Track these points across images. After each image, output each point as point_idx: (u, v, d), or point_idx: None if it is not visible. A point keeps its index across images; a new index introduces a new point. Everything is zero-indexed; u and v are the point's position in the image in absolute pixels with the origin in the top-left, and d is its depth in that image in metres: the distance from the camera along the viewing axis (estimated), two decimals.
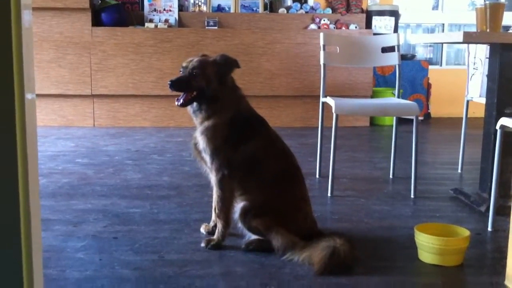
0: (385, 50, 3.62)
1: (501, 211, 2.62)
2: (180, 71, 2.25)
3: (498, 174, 2.50)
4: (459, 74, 6.51)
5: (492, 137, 2.79)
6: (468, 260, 2.14)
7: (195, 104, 2.23)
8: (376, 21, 6.37)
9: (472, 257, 2.18)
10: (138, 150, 4.44)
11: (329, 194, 3.08)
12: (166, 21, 5.99)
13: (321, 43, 3.45)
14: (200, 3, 6.24)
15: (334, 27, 6.15)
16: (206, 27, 5.99)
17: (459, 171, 3.80)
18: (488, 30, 2.72)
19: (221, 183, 2.20)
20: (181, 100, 2.21)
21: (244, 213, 2.17)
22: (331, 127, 3.07)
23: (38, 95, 5.36)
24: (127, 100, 5.79)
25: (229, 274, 1.99)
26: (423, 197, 3.09)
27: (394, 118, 3.57)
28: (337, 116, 3.04)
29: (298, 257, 2.06)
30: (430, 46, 7.54)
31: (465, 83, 3.86)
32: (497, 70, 2.77)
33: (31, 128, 0.96)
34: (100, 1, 5.89)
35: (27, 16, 0.96)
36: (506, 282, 1.92)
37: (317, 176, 3.53)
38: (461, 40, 2.53)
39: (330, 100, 3.18)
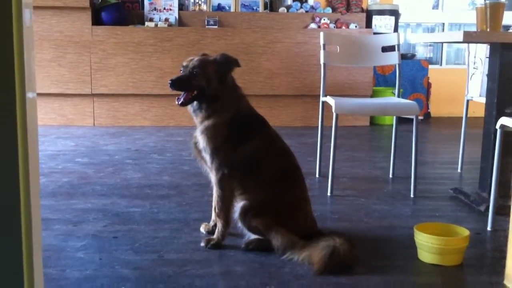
0: (385, 49, 3.62)
1: (500, 211, 2.62)
2: (181, 70, 2.25)
3: (498, 174, 2.50)
4: (459, 73, 6.51)
5: (492, 136, 2.79)
6: (467, 260, 2.14)
7: (195, 103, 2.23)
8: (376, 20, 6.37)
9: (472, 256, 2.18)
10: (138, 149, 4.44)
11: (329, 194, 3.08)
12: (166, 20, 5.98)
13: (321, 42, 3.45)
14: (200, 2, 6.25)
15: (334, 27, 6.14)
16: (206, 26, 5.99)
17: (459, 170, 3.80)
18: (488, 30, 2.72)
19: (221, 182, 2.20)
20: (182, 99, 2.21)
21: (244, 212, 2.17)
22: (331, 127, 3.07)
23: (38, 94, 5.35)
24: (127, 99, 5.79)
25: (229, 273, 2.00)
26: (423, 197, 3.09)
27: (394, 117, 3.57)
28: (337, 115, 3.04)
29: (298, 256, 2.06)
30: (430, 45, 7.54)
31: (465, 82, 3.86)
32: (497, 70, 2.77)
33: (32, 127, 0.96)
34: (100, 0, 5.89)
35: (28, 15, 0.96)
36: (506, 282, 1.93)
37: (317, 175, 3.53)
38: (461, 39, 2.53)
39: (330, 100, 3.18)
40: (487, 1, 2.73)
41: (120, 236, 2.35)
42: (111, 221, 2.56)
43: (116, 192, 3.09)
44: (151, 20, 5.99)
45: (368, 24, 6.35)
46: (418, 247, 2.16)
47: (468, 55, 3.83)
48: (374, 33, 5.88)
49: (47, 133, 5.12)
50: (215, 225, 2.32)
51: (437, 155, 4.57)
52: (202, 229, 2.42)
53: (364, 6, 6.50)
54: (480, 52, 3.64)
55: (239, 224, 2.20)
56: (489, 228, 2.53)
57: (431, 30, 7.62)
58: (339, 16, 6.27)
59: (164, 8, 6.04)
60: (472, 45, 3.78)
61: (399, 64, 3.55)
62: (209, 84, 2.19)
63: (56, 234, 2.36)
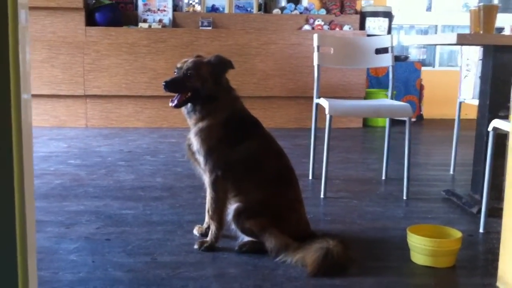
0: (378, 51, 3.62)
1: (493, 213, 2.63)
2: (175, 72, 2.25)
3: (490, 176, 2.51)
4: (452, 75, 6.54)
5: (484, 139, 2.80)
6: (460, 262, 2.15)
7: (189, 105, 2.23)
8: (370, 22, 6.38)
9: (464, 258, 2.19)
10: (131, 151, 4.43)
11: (322, 196, 3.08)
12: (160, 21, 5.97)
13: (315, 44, 3.45)
14: (194, 3, 6.24)
15: (328, 28, 6.15)
16: (200, 27, 5.98)
17: (451, 172, 3.82)
18: (481, 32, 2.74)
19: (214, 184, 2.20)
20: (176, 101, 2.21)
21: (238, 214, 2.17)
22: (324, 128, 3.08)
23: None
24: (120, 101, 5.77)
25: (223, 276, 1.99)
26: (416, 199, 3.10)
27: (387, 119, 3.58)
28: (330, 117, 3.05)
29: (291, 258, 2.06)
30: (423, 47, 7.56)
31: (457, 84, 3.88)
32: (490, 72, 2.79)
33: (27, 129, 0.96)
34: (94, 1, 5.88)
35: (23, 16, 0.96)
36: (498, 284, 1.93)
37: (310, 177, 3.53)
38: (455, 42, 2.55)
39: (323, 101, 3.18)
40: (481, 4, 2.75)
41: (113, 239, 2.34)
42: (104, 223, 2.55)
43: (109, 194, 3.08)
44: (145, 21, 5.97)
45: (362, 26, 6.36)
46: (411, 249, 2.17)
47: (461, 57, 3.85)
48: (368, 35, 5.90)
49: (40, 134, 5.10)
50: (208, 227, 2.31)
51: (430, 157, 4.59)
52: (196, 231, 2.42)
53: (357, 8, 6.51)
54: (473, 54, 3.66)
55: (233, 226, 2.20)
56: (481, 230, 2.54)
57: (424, 32, 7.65)
58: (333, 18, 6.28)
59: (158, 9, 6.03)
60: (465, 47, 3.79)
61: (392, 66, 3.56)
62: (203, 86, 2.19)
63: (49, 236, 2.35)
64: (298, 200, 2.29)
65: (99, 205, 2.85)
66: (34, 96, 5.47)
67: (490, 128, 2.50)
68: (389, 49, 3.56)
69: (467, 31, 2.99)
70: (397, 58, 6.38)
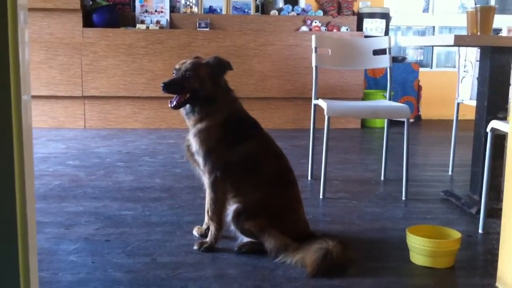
0: (376, 52, 3.63)
1: (491, 213, 2.64)
2: (173, 73, 2.25)
3: (489, 177, 2.52)
4: (450, 76, 6.55)
5: (482, 139, 2.81)
6: (459, 262, 2.15)
7: (188, 106, 2.23)
8: (367, 23, 6.39)
9: (464, 259, 2.20)
10: (129, 152, 4.43)
11: (321, 196, 3.09)
12: (158, 22, 5.97)
13: (313, 45, 3.46)
14: (191, 5, 6.24)
15: (325, 29, 6.16)
16: (198, 29, 5.99)
17: (450, 173, 3.82)
18: (479, 33, 2.75)
19: (214, 185, 2.20)
20: (174, 102, 2.21)
21: (237, 215, 2.17)
22: (323, 129, 3.09)
23: None
24: (118, 102, 5.77)
25: (222, 276, 2.00)
26: (414, 199, 3.10)
27: (386, 120, 3.59)
28: (329, 118, 3.06)
29: (291, 259, 2.07)
30: (420, 48, 7.58)
31: (455, 85, 3.89)
32: (488, 73, 2.79)
33: (27, 130, 0.96)
34: (91, 2, 5.88)
35: (23, 17, 0.96)
36: (497, 284, 1.94)
37: (309, 178, 3.53)
38: (452, 43, 2.55)
39: (322, 102, 3.19)
40: (478, 5, 2.76)
41: (112, 239, 2.34)
42: (103, 224, 2.55)
43: (108, 195, 3.08)
44: (142, 22, 5.97)
45: (359, 27, 6.37)
46: (410, 250, 2.17)
47: (459, 58, 3.86)
48: (365, 36, 5.91)
49: (38, 135, 5.09)
50: (208, 228, 2.32)
51: (428, 158, 4.60)
52: (195, 232, 2.42)
53: (355, 9, 6.52)
54: (471, 56, 3.67)
55: (232, 227, 2.20)
56: (480, 231, 2.54)
57: (422, 33, 7.67)
58: (330, 19, 6.29)
59: (156, 10, 6.03)
60: (462, 49, 3.81)
61: (390, 67, 3.57)
62: (202, 87, 2.19)
63: (48, 237, 2.35)
64: (297, 201, 2.29)
65: (98, 206, 2.85)
66: (32, 97, 5.43)
67: (488, 129, 2.50)
68: (387, 50, 3.57)
69: (464, 32, 3.00)
70: (394, 59, 6.39)
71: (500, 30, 3.82)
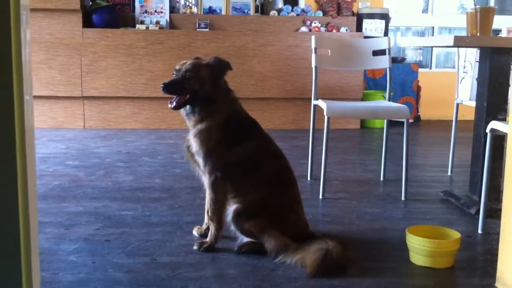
0: (376, 53, 3.64)
1: (491, 214, 2.65)
2: (173, 74, 2.26)
3: (488, 177, 2.53)
4: (449, 77, 6.56)
5: (482, 140, 2.81)
6: (459, 262, 2.16)
7: (188, 106, 2.23)
8: (367, 24, 6.40)
9: (463, 259, 2.20)
10: (129, 152, 4.43)
11: (320, 197, 3.09)
12: (157, 22, 5.98)
13: (313, 46, 3.46)
14: (191, 5, 6.24)
15: (325, 30, 6.17)
16: (198, 29, 5.99)
17: (449, 173, 3.83)
18: (478, 34, 2.75)
19: (214, 185, 2.20)
20: (174, 103, 2.22)
21: (237, 215, 2.17)
22: (322, 129, 3.09)
23: None
24: (118, 102, 5.77)
25: (222, 276, 2.00)
26: (414, 200, 3.11)
27: (385, 120, 3.59)
28: (328, 118, 3.06)
29: (290, 259, 2.07)
30: (420, 49, 7.59)
31: (454, 85, 3.89)
32: (487, 74, 2.80)
33: (29, 130, 0.96)
34: (91, 3, 5.88)
35: (25, 17, 0.96)
36: (497, 284, 1.94)
37: (309, 178, 3.54)
38: (451, 44, 2.56)
39: (321, 103, 3.19)
40: (477, 6, 2.76)
41: (112, 239, 2.35)
42: (103, 224, 2.55)
43: (107, 195, 3.09)
44: (142, 22, 5.97)
45: (359, 28, 6.38)
46: (410, 250, 2.18)
47: (458, 59, 3.86)
48: (365, 37, 5.92)
49: (38, 135, 5.09)
50: (207, 228, 2.32)
51: (427, 158, 4.60)
52: (195, 232, 2.42)
53: (354, 9, 6.53)
54: (470, 56, 3.67)
55: (232, 227, 2.21)
56: (479, 231, 2.55)
57: (421, 33, 7.67)
58: (330, 20, 6.30)
59: (155, 11, 6.04)
60: (462, 49, 3.81)
61: (390, 68, 3.58)
62: (202, 88, 2.20)
63: (48, 237, 2.35)
64: (297, 201, 2.30)
65: (98, 206, 2.85)
66: None
67: (488, 130, 2.51)
68: (387, 51, 3.57)
69: (463, 33, 3.00)
70: (394, 60, 6.40)
71: (500, 31, 3.83)
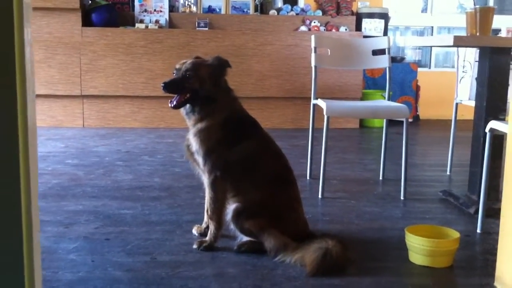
0: (375, 52, 3.64)
1: (490, 213, 2.65)
2: (173, 73, 2.26)
3: (487, 177, 2.53)
4: (448, 76, 6.58)
5: (481, 140, 2.82)
6: (458, 262, 2.16)
7: (188, 105, 2.23)
8: (366, 23, 6.41)
9: (462, 258, 2.20)
10: (128, 151, 4.43)
11: (320, 196, 3.09)
12: (157, 21, 5.98)
13: (313, 45, 3.46)
14: (190, 4, 6.24)
15: (324, 29, 6.17)
16: (197, 28, 5.99)
17: (448, 173, 3.83)
18: (478, 34, 2.76)
19: (213, 184, 2.21)
20: (174, 102, 2.22)
21: (237, 214, 2.17)
22: (321, 129, 3.09)
23: None
24: (117, 101, 5.77)
25: (222, 275, 2.00)
26: (413, 199, 3.11)
27: (384, 120, 3.60)
28: (328, 118, 3.06)
29: (290, 258, 2.08)
30: (419, 48, 7.59)
31: (453, 85, 3.90)
32: (487, 74, 2.80)
33: (32, 128, 0.96)
34: (90, 1, 5.87)
35: (28, 16, 0.96)
36: (496, 284, 1.95)
37: (308, 177, 3.54)
38: (451, 44, 2.56)
39: (321, 102, 3.19)
40: (477, 6, 2.77)
41: (112, 238, 2.35)
42: (102, 223, 2.55)
43: (107, 193, 3.09)
44: (141, 21, 5.97)
45: (358, 27, 6.39)
46: (409, 249, 2.18)
47: (457, 59, 3.87)
48: (364, 36, 5.92)
49: (37, 134, 5.08)
50: (207, 227, 2.32)
51: (426, 158, 4.61)
52: (194, 231, 2.43)
53: (354, 9, 6.53)
54: (469, 56, 3.68)
55: (232, 226, 2.21)
56: (478, 231, 2.55)
57: (420, 33, 7.68)
58: (329, 19, 6.30)
59: (155, 10, 6.03)
60: (461, 49, 3.82)
61: (389, 68, 3.58)
62: (202, 87, 2.20)
63: (48, 236, 2.35)
64: (296, 200, 2.30)
65: (97, 204, 2.86)
66: None
67: (487, 130, 2.51)
68: (386, 51, 3.58)
69: (462, 33, 3.01)
70: (393, 59, 6.39)
71: (499, 30, 3.84)
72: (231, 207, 2.21)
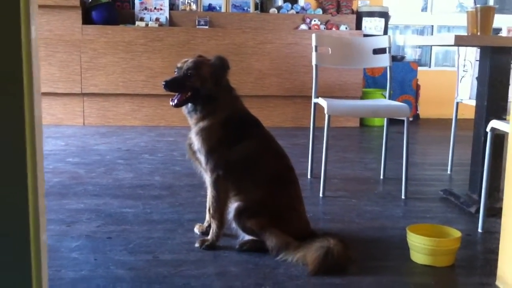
0: (376, 51, 3.64)
1: (491, 213, 2.66)
2: (175, 71, 2.26)
3: (488, 176, 2.54)
4: (448, 75, 6.58)
5: (482, 139, 2.82)
6: (459, 261, 2.17)
7: (190, 104, 2.24)
8: (366, 22, 6.41)
9: (463, 257, 2.21)
10: (129, 149, 4.43)
11: (321, 195, 3.10)
12: (157, 19, 5.97)
13: (313, 44, 3.46)
14: (190, 2, 6.24)
15: (324, 28, 6.17)
16: (197, 27, 5.99)
17: (449, 172, 3.84)
18: (479, 33, 2.76)
19: (215, 183, 2.21)
20: (176, 101, 2.22)
21: (239, 213, 2.18)
22: (322, 127, 3.10)
23: None
24: (117, 99, 5.77)
25: (224, 274, 2.01)
26: (414, 198, 3.12)
27: (385, 119, 3.60)
28: (329, 117, 3.07)
29: (292, 257, 2.08)
30: (419, 47, 7.59)
31: (453, 84, 3.90)
32: (487, 73, 2.81)
33: (38, 125, 0.97)
34: None
35: (34, 13, 0.96)
36: (497, 283, 1.96)
37: (309, 176, 3.55)
38: (452, 43, 2.57)
39: (322, 101, 3.20)
40: (478, 5, 2.77)
41: (114, 237, 2.35)
42: (104, 222, 2.56)
43: (108, 192, 3.09)
44: (141, 19, 5.97)
45: (358, 26, 6.39)
46: (410, 248, 2.19)
47: (458, 58, 3.87)
48: (364, 35, 5.92)
49: None
50: (209, 226, 2.33)
51: (427, 157, 4.61)
52: (196, 230, 2.43)
53: (354, 7, 6.53)
54: (470, 55, 3.68)
55: (234, 225, 2.21)
56: (479, 230, 2.56)
57: (420, 32, 7.68)
58: (330, 18, 6.30)
59: (155, 8, 6.03)
60: (462, 48, 3.82)
61: (390, 67, 3.58)
62: (203, 86, 2.20)
63: (50, 234, 2.35)
64: (298, 199, 2.30)
65: (99, 203, 2.86)
66: None
67: (488, 129, 2.52)
68: (387, 50, 3.58)
69: (462, 32, 3.01)
70: (393, 58, 6.38)
71: (500, 29, 3.84)
72: (233, 206, 2.21)
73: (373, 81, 6.51)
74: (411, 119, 6.40)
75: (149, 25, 5.83)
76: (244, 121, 2.29)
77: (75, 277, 1.93)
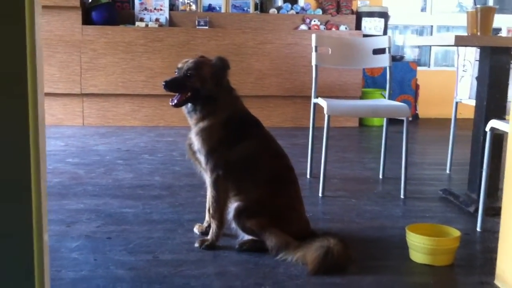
0: (376, 51, 3.65)
1: (490, 212, 2.66)
2: (175, 72, 2.26)
3: (487, 176, 2.54)
4: (447, 75, 6.59)
5: (481, 139, 2.83)
6: (458, 260, 2.17)
7: (190, 104, 2.24)
8: (366, 22, 6.41)
9: (463, 257, 2.21)
10: (128, 149, 4.43)
11: (320, 195, 3.10)
12: (157, 20, 5.98)
13: (313, 44, 3.47)
14: (190, 3, 6.24)
15: (324, 28, 6.18)
16: (197, 27, 5.99)
17: (448, 171, 3.85)
18: (479, 34, 2.76)
19: (215, 183, 2.21)
20: (175, 101, 2.22)
21: (238, 213, 2.18)
22: (321, 128, 3.10)
23: None
24: (117, 99, 5.77)
25: (224, 274, 2.01)
26: (413, 198, 3.12)
27: (384, 119, 3.61)
28: (329, 117, 3.07)
29: (292, 257, 2.08)
30: (417, 47, 7.60)
31: (453, 84, 3.91)
32: (487, 73, 2.81)
33: (42, 126, 0.97)
34: (90, 0, 5.87)
35: (38, 13, 0.96)
36: (496, 282, 1.96)
37: (308, 176, 3.55)
38: (452, 43, 2.57)
39: (321, 101, 3.20)
40: (478, 6, 2.77)
41: (114, 237, 2.36)
42: (104, 222, 2.56)
43: (108, 192, 3.09)
44: (141, 20, 5.98)
45: (358, 26, 6.39)
46: (410, 248, 2.19)
47: (458, 58, 3.88)
48: (364, 35, 5.93)
49: None
50: (209, 226, 2.33)
51: (426, 156, 4.62)
52: (196, 230, 2.43)
53: (354, 8, 6.54)
54: (470, 55, 3.69)
55: (233, 225, 2.22)
56: (478, 229, 2.56)
57: (419, 32, 7.69)
58: (329, 18, 6.30)
59: (155, 8, 6.04)
60: (461, 48, 3.83)
61: (390, 67, 3.59)
62: (203, 86, 2.20)
63: (50, 234, 2.36)
64: (298, 199, 2.31)
65: (98, 203, 2.86)
66: None
67: (487, 129, 2.52)
68: (387, 50, 3.58)
69: (462, 32, 3.02)
70: (392, 58, 6.37)
71: (500, 30, 3.84)
72: (232, 206, 2.21)
73: (372, 81, 6.52)
74: (410, 119, 6.40)
75: (149, 26, 5.84)
76: (244, 121, 2.30)
77: (75, 277, 1.93)
